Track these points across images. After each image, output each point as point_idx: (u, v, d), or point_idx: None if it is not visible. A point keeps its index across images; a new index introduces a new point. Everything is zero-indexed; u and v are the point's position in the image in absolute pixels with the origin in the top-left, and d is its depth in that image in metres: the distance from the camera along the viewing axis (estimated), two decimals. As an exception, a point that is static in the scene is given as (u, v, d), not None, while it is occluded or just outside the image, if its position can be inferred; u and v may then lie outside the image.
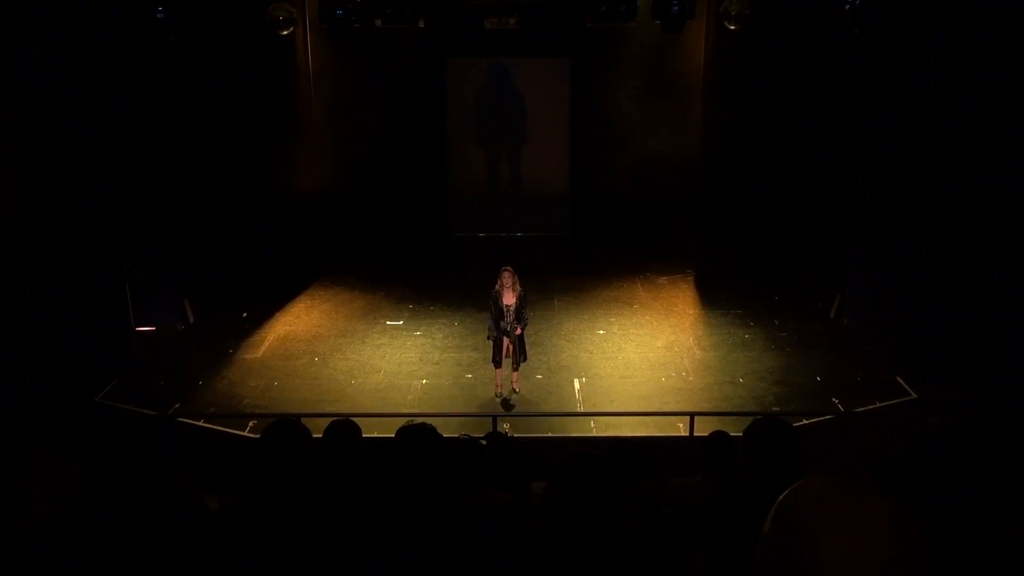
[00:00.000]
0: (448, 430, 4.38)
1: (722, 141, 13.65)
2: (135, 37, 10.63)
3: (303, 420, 3.77)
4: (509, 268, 9.27)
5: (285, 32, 11.36)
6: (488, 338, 9.51)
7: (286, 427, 3.44)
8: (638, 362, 10.50)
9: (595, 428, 8.95)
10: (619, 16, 11.80)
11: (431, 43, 13.77)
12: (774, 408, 9.27)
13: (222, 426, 8.90)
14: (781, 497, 1.38)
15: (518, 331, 9.22)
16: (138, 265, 11.15)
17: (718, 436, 5.09)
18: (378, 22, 12.13)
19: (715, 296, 12.44)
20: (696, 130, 13.87)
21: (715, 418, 8.52)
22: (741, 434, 3.31)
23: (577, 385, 9.93)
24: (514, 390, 9.56)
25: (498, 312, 9.22)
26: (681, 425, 8.68)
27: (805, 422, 8.58)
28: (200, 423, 8.99)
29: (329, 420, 4.30)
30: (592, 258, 14.25)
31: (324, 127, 14.09)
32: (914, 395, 9.44)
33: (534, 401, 9.58)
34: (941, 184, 10.46)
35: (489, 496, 2.55)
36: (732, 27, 11.42)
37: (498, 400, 9.51)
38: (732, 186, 13.73)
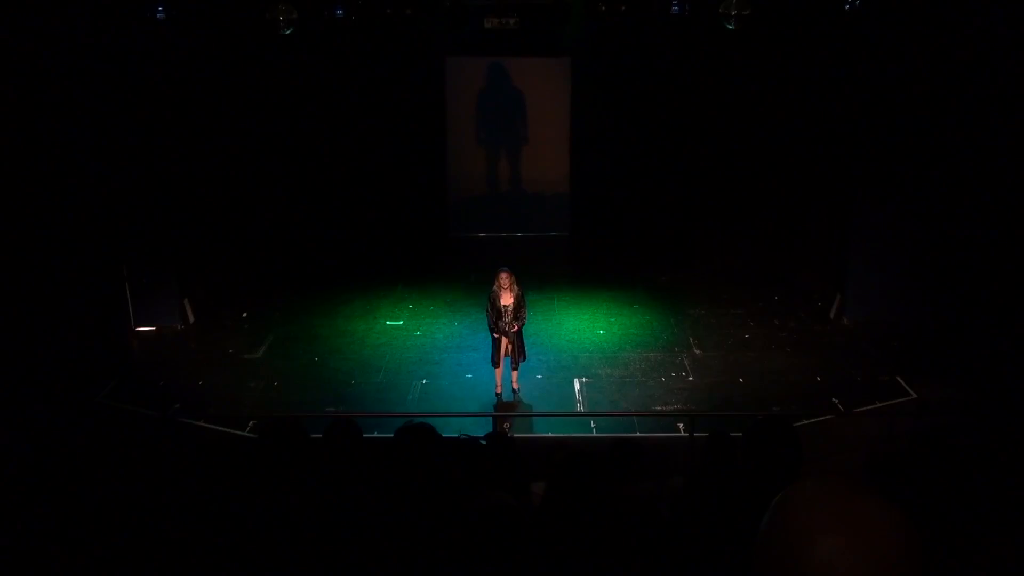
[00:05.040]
0: (448, 430, 4.38)
1: (722, 141, 13.67)
2: (135, 37, 10.63)
3: (303, 420, 3.77)
4: (507, 269, 9.26)
5: (285, 32, 11.35)
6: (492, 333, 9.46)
7: (286, 427, 3.44)
8: (638, 362, 10.50)
9: (595, 428, 8.95)
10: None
11: (431, 43, 13.77)
12: (774, 408, 9.26)
13: (222, 426, 8.90)
14: (778, 497, 1.39)
15: (515, 328, 9.22)
16: (140, 270, 11.19)
17: (718, 436, 5.09)
18: (378, 21, 12.14)
19: (715, 296, 12.44)
20: (696, 130, 13.88)
21: (715, 418, 8.52)
22: (741, 434, 3.31)
23: (577, 385, 9.93)
24: (514, 390, 9.56)
25: (496, 313, 9.23)
26: (681, 425, 8.68)
27: (805, 422, 8.58)
28: (200, 423, 8.99)
29: (329, 420, 4.30)
30: (592, 258, 14.25)
31: (323, 127, 14.09)
32: (914, 395, 9.44)
33: (534, 401, 9.58)
34: (941, 184, 10.47)
35: (489, 496, 2.55)
36: (732, 27, 11.41)
37: (498, 400, 9.51)
38: (732, 185, 13.75)
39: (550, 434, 8.83)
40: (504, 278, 9.17)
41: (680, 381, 10.01)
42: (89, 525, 2.99)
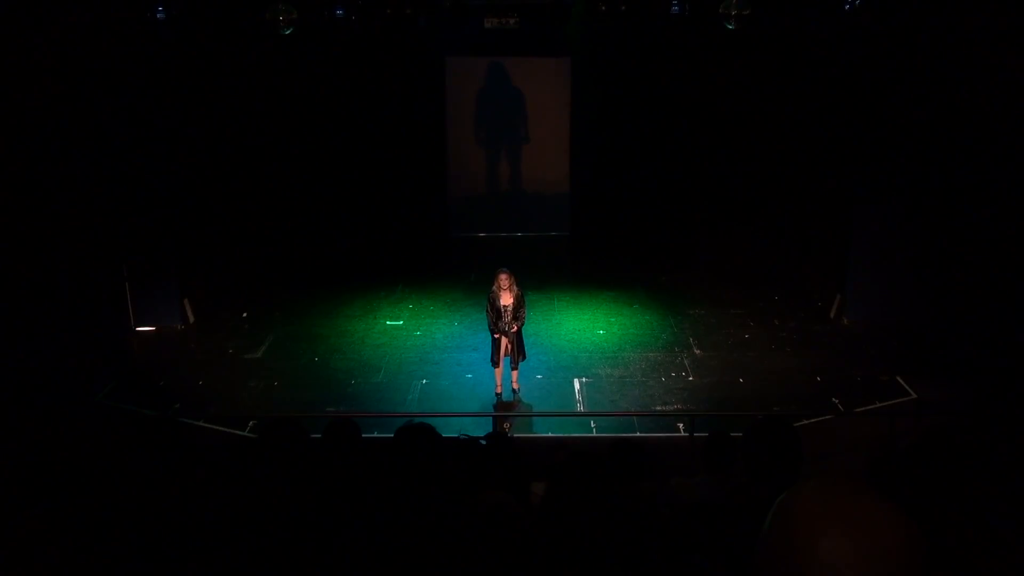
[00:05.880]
0: (448, 430, 4.38)
1: (721, 141, 13.67)
2: (135, 36, 10.63)
3: (303, 420, 3.77)
4: (506, 270, 9.27)
5: (285, 32, 11.36)
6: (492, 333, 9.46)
7: (285, 427, 3.44)
8: (638, 362, 10.50)
9: (595, 428, 8.95)
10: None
11: (431, 42, 13.78)
12: (774, 408, 9.26)
13: (222, 426, 8.90)
14: (781, 498, 1.38)
15: (514, 328, 9.22)
16: (140, 270, 11.19)
17: (718, 436, 5.08)
18: (379, 22, 12.15)
19: (715, 296, 12.44)
20: (696, 130, 13.88)
21: (715, 418, 8.52)
22: (741, 434, 3.31)
23: (577, 385, 9.93)
24: (514, 389, 9.56)
25: (496, 313, 9.23)
26: (681, 425, 8.68)
27: (805, 422, 8.58)
28: (200, 423, 8.99)
29: (329, 420, 4.29)
30: (592, 258, 14.26)
31: (323, 127, 14.09)
32: (914, 395, 9.44)
33: (534, 401, 9.58)
34: (941, 184, 10.47)
35: (489, 496, 2.55)
36: (732, 27, 11.41)
37: (498, 400, 9.51)
38: (732, 185, 13.76)
39: (550, 434, 8.83)
40: (504, 279, 9.17)
41: (680, 381, 10.01)
42: (89, 525, 2.99)
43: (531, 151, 15.32)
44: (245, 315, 12.10)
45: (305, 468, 3.30)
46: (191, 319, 11.78)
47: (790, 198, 12.98)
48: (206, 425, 8.96)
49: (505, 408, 9.41)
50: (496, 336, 9.33)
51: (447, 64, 14.57)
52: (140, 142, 10.87)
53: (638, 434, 8.57)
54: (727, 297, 12.41)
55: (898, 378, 9.83)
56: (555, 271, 13.71)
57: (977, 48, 9.60)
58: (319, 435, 3.83)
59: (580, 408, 9.49)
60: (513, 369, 9.48)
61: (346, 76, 13.88)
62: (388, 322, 11.81)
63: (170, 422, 8.50)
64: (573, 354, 10.71)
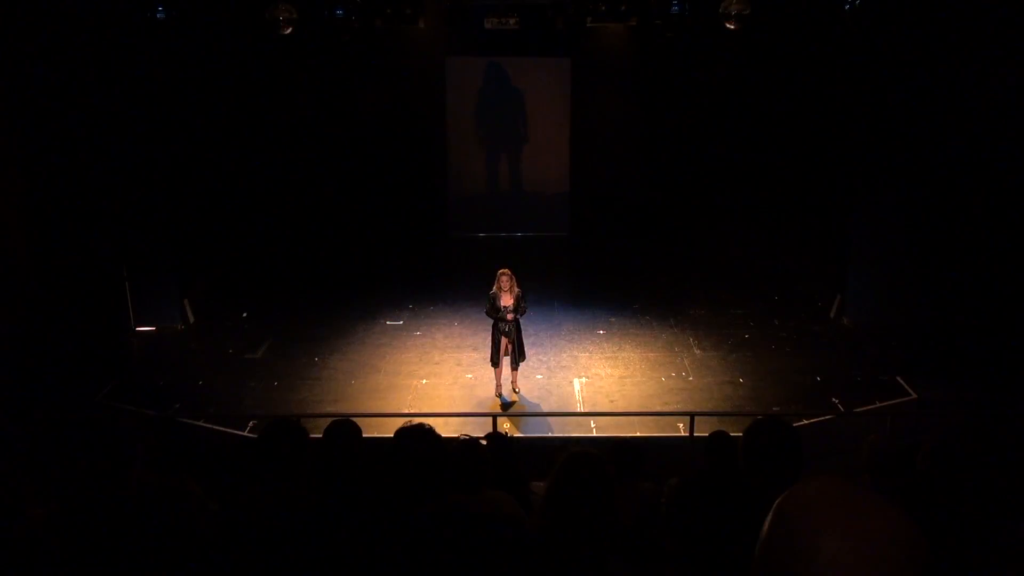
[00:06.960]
0: (448, 430, 4.38)
1: (721, 140, 13.67)
2: (135, 36, 10.63)
3: (303, 420, 3.77)
4: (507, 270, 9.26)
5: (285, 32, 11.36)
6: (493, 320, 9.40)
7: (285, 427, 3.44)
8: (638, 362, 10.50)
9: (595, 428, 8.95)
10: (619, 16, 11.80)
11: (431, 43, 13.78)
12: (774, 408, 9.27)
13: (222, 426, 8.90)
14: (781, 498, 1.38)
15: (509, 317, 9.16)
16: (140, 270, 11.18)
17: (718, 436, 5.09)
18: (378, 21, 12.14)
19: (715, 296, 12.44)
20: (696, 130, 13.88)
21: (715, 418, 8.52)
22: (741, 434, 3.30)
23: (577, 385, 9.93)
24: (514, 390, 9.56)
25: (496, 313, 9.23)
26: (681, 425, 8.68)
27: (805, 422, 8.58)
28: (200, 423, 8.99)
29: (329, 420, 4.30)
30: (592, 258, 14.26)
31: (323, 127, 14.09)
32: (914, 395, 9.44)
33: (534, 401, 9.58)
34: (941, 184, 10.47)
35: (489, 496, 2.56)
36: (732, 27, 11.41)
37: (498, 400, 9.51)
38: (732, 185, 13.76)
39: (550, 434, 8.83)
40: (504, 279, 9.16)
41: (680, 381, 10.01)
42: (89, 525, 2.99)
43: (531, 151, 15.32)
44: (245, 315, 12.10)
45: (305, 468, 3.30)
46: (191, 319, 11.78)
47: (790, 198, 12.98)
48: (206, 425, 8.96)
49: (505, 408, 9.41)
50: (496, 336, 9.33)
51: (447, 64, 14.57)
52: (140, 142, 10.86)
53: (638, 434, 8.57)
54: (727, 297, 12.42)
55: (898, 378, 9.83)
56: (555, 271, 13.71)
57: (977, 48, 9.60)
58: (319, 435, 3.83)
59: (580, 408, 9.49)
60: (513, 369, 9.48)
61: (346, 76, 13.87)
62: (388, 322, 11.81)
63: (170, 422, 8.53)
64: (573, 354, 10.71)
